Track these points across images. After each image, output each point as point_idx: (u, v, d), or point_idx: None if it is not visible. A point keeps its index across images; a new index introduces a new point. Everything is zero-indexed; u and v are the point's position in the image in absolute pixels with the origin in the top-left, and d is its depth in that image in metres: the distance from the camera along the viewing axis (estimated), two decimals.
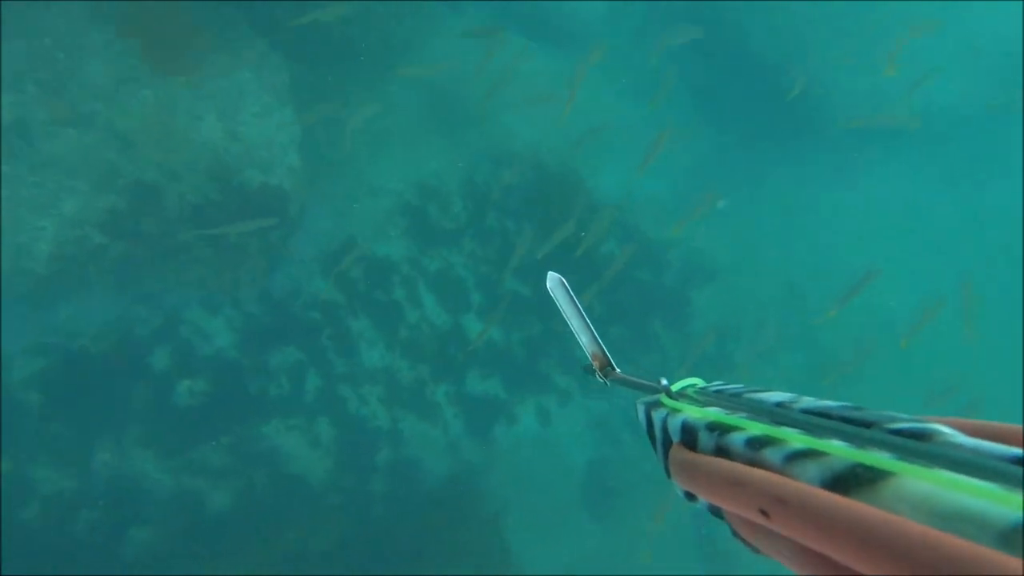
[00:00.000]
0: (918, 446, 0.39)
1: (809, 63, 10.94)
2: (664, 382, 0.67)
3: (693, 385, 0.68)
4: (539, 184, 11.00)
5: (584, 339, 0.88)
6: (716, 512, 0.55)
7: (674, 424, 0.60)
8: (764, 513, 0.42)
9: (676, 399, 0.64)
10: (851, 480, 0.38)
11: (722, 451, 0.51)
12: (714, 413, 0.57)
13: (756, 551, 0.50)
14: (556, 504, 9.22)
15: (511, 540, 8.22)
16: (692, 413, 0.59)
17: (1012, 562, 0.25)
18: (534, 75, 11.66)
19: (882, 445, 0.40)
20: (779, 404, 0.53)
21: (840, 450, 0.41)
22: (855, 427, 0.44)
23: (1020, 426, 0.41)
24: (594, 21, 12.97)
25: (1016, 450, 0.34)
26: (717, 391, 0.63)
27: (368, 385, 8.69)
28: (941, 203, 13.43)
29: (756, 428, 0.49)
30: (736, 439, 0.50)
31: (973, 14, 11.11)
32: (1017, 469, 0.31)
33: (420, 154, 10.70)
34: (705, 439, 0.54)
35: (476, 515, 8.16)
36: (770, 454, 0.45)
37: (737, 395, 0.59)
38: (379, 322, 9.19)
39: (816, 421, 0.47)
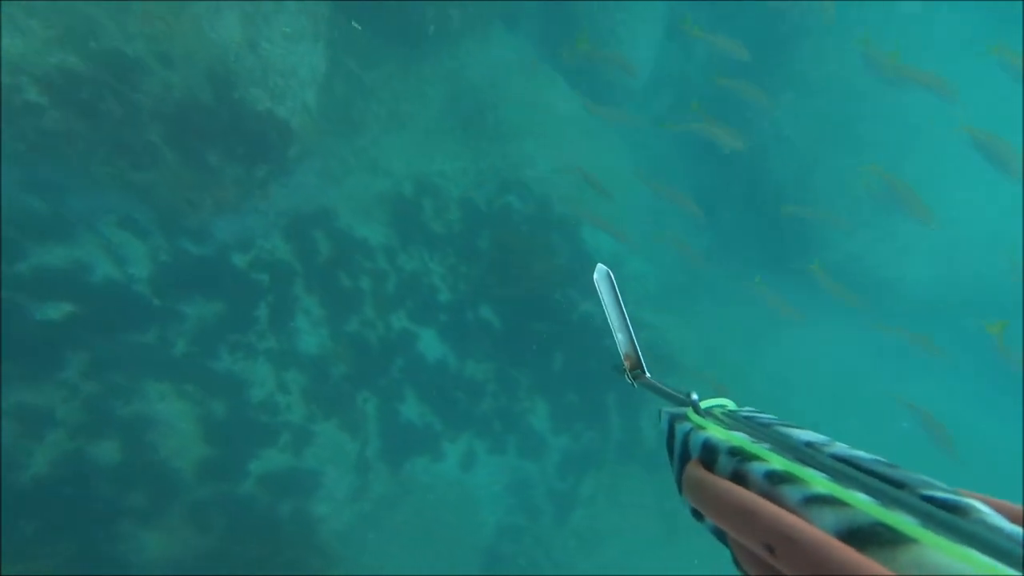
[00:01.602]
0: (950, 518, 0.38)
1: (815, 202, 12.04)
2: (694, 396, 0.68)
3: (723, 406, 0.70)
4: (537, 219, 10.88)
5: (620, 337, 0.90)
6: (720, 536, 0.54)
7: (696, 440, 0.60)
8: (770, 549, 0.42)
9: (703, 416, 0.65)
10: (871, 537, 0.37)
11: (739, 478, 0.51)
12: (738, 438, 0.56)
13: None
14: (450, 558, 8.37)
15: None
16: (716, 433, 0.59)
17: None
18: (563, 116, 11.89)
19: (910, 509, 0.40)
20: (808, 444, 0.53)
21: (864, 504, 0.40)
22: (885, 484, 0.43)
23: None
24: (635, 90, 13.56)
25: None
26: (747, 417, 0.64)
27: (294, 370, 7.66)
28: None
29: (778, 462, 0.49)
30: (756, 468, 0.50)
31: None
32: None
33: (432, 149, 10.30)
34: (724, 462, 0.54)
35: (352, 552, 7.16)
36: (788, 491, 0.45)
37: (766, 425, 0.59)
38: (330, 307, 8.30)
39: (844, 469, 0.47)
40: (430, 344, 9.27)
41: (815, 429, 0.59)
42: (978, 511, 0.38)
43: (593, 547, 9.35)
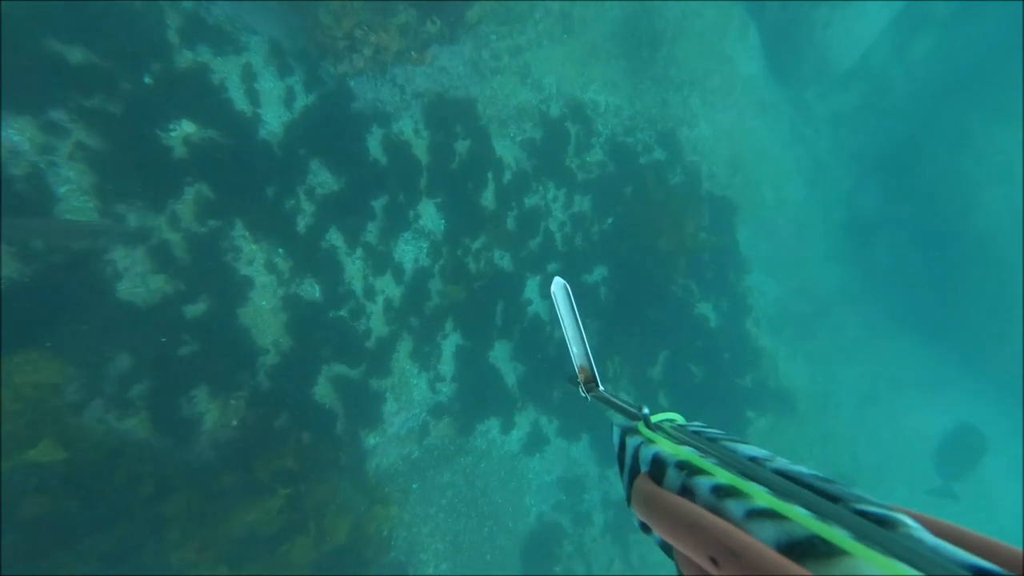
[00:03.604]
0: (878, 531, 0.42)
1: None
2: (645, 411, 0.73)
3: (673, 420, 0.75)
4: (683, 191, 9.59)
5: (575, 349, 0.96)
6: (666, 549, 0.58)
7: (646, 454, 0.65)
8: (713, 561, 0.45)
9: (653, 430, 0.69)
10: (807, 549, 0.41)
11: (687, 491, 0.56)
12: (687, 452, 0.61)
13: None
14: (489, 538, 7.72)
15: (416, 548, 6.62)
16: (665, 447, 0.63)
17: None
18: (742, 77, 10.34)
19: (844, 523, 0.44)
20: (752, 458, 0.57)
21: (802, 518, 0.44)
22: (822, 498, 0.47)
23: (988, 538, 0.43)
24: (829, 74, 11.78)
25: (974, 559, 0.37)
26: (695, 431, 0.68)
27: (387, 277, 6.89)
28: None
29: (724, 476, 0.54)
30: (702, 483, 0.54)
31: None
32: None
33: (591, 73, 9.04)
34: (673, 476, 0.59)
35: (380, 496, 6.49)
36: (732, 506, 0.49)
37: (714, 440, 0.64)
38: (447, 217, 7.43)
39: (784, 484, 0.51)
40: (533, 295, 8.37)
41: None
42: (905, 525, 0.43)
43: None
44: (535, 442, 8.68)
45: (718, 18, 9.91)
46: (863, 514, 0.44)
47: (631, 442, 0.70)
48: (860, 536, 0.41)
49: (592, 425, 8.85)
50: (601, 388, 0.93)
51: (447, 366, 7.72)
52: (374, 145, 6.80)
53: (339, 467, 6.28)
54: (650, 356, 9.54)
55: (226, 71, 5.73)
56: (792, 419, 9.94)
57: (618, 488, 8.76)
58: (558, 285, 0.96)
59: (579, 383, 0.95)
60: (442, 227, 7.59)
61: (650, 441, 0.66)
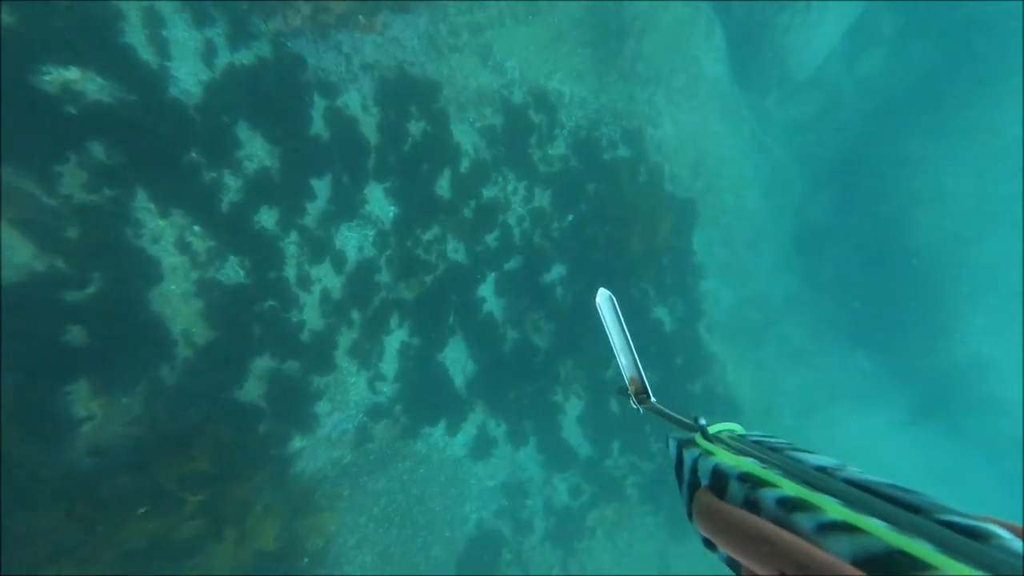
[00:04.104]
0: (967, 544, 0.39)
1: None
2: (702, 421, 0.72)
3: (731, 430, 0.72)
4: (647, 191, 9.49)
5: (624, 360, 0.96)
6: (732, 565, 0.56)
7: (705, 467, 0.63)
8: None
9: (712, 441, 0.68)
10: (887, 564, 0.39)
11: (751, 505, 0.53)
12: (748, 464, 0.59)
13: None
14: (423, 549, 7.33)
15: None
16: (726, 459, 0.62)
17: None
18: (707, 78, 10.35)
19: (928, 535, 0.41)
20: (821, 468, 0.55)
21: (879, 530, 0.42)
22: (900, 509, 0.45)
23: None
24: (789, 82, 12.03)
25: None
26: (756, 441, 0.66)
27: (325, 266, 6.31)
28: None
29: (791, 488, 0.52)
30: (768, 495, 0.52)
31: None
32: None
33: (557, 60, 8.71)
34: (735, 489, 0.57)
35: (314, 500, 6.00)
36: (801, 519, 0.47)
37: (777, 450, 0.62)
38: (398, 202, 6.91)
39: (857, 495, 0.48)
40: (488, 293, 8.01)
41: None
42: (997, 536, 0.40)
43: None
44: (482, 446, 8.36)
45: (686, 14, 9.82)
46: (949, 525, 0.42)
47: (689, 455, 0.68)
48: (946, 549, 0.39)
49: (541, 429, 8.63)
50: (653, 399, 0.90)
51: (390, 365, 7.24)
52: (316, 119, 6.18)
53: (262, 470, 5.71)
54: (604, 359, 9.41)
55: (123, 11, 4.93)
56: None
57: (561, 494, 8.61)
58: (603, 296, 0.96)
59: (630, 394, 0.94)
60: (391, 214, 7.07)
61: (709, 453, 0.65)
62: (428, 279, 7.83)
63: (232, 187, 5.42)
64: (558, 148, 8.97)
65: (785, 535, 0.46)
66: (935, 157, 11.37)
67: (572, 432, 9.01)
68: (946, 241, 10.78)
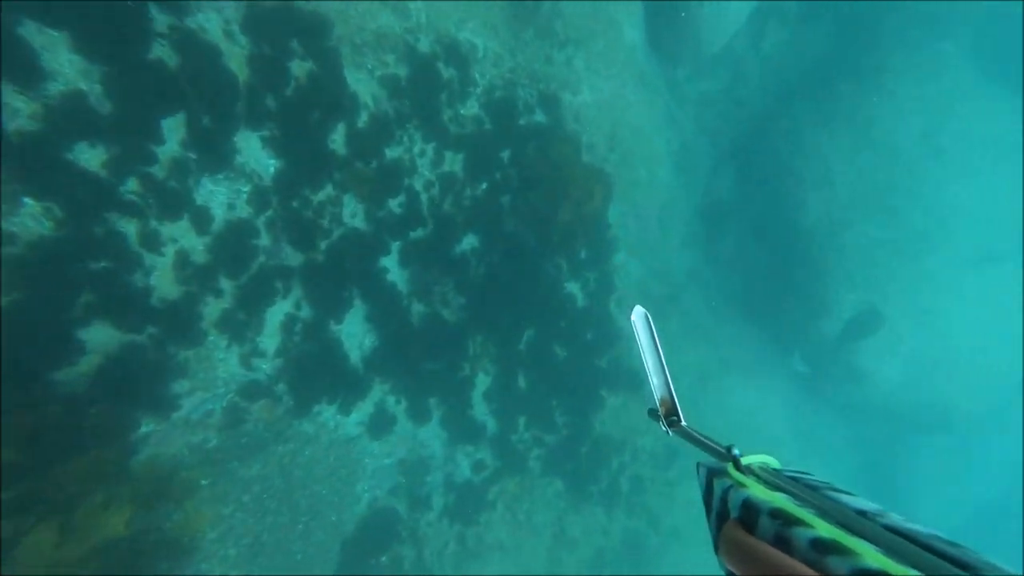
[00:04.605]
0: None
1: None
2: (735, 452, 0.70)
3: (766, 463, 0.69)
4: (564, 161, 9.23)
5: (656, 380, 0.95)
6: None
7: (735, 499, 0.62)
8: None
9: (744, 473, 0.67)
10: None
11: (782, 542, 0.52)
12: (781, 500, 0.58)
13: None
14: (302, 538, 6.86)
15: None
16: (758, 493, 0.61)
17: None
18: (626, 45, 10.19)
19: None
20: (860, 511, 0.53)
21: None
22: (943, 562, 0.42)
23: None
24: (701, 55, 12.22)
25: None
26: (792, 477, 0.64)
27: (183, 224, 5.38)
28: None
29: (825, 530, 0.50)
30: (801, 535, 0.50)
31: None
32: None
33: (469, 9, 8.02)
34: (766, 525, 0.55)
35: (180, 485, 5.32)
36: (835, 563, 0.45)
37: (814, 488, 0.60)
38: (280, 154, 6.02)
39: (897, 543, 0.46)
40: (390, 262, 7.41)
41: None
42: None
43: (471, 559, 8.42)
44: (380, 424, 7.93)
45: None
46: None
47: (719, 484, 0.66)
48: None
49: (447, 406, 8.35)
50: (684, 423, 0.88)
51: (271, 339, 6.50)
52: (155, 40, 5.08)
53: (97, 458, 4.88)
54: (516, 334, 9.25)
55: None
56: (640, 398, 10.53)
57: (463, 470, 8.47)
58: (639, 314, 0.95)
59: (660, 417, 0.92)
60: (271, 169, 6.19)
61: (740, 485, 0.63)
62: (322, 245, 7.08)
63: (23, 111, 4.30)
64: (471, 108, 8.39)
65: None
66: (823, 142, 12.10)
67: (479, 408, 8.83)
68: (828, 224, 11.71)
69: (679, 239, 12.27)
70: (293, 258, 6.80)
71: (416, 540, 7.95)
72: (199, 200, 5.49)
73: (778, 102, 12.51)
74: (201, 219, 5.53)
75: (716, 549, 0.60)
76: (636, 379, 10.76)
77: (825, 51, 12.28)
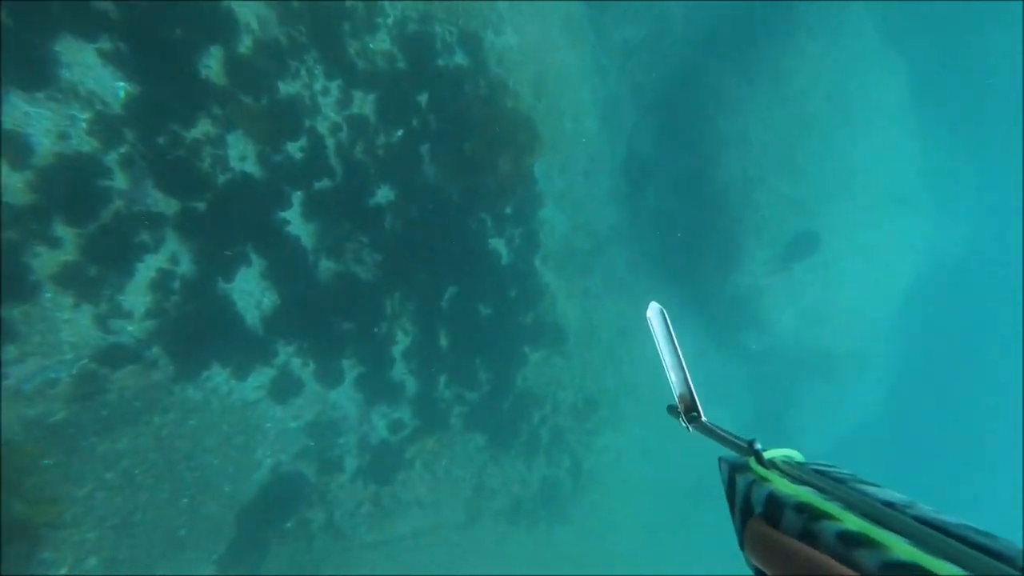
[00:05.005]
0: None
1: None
2: (757, 446, 0.68)
3: (789, 457, 0.68)
4: (487, 107, 8.59)
5: (674, 377, 0.90)
6: None
7: (759, 494, 0.61)
8: None
9: (767, 467, 0.65)
10: None
11: (808, 537, 0.50)
12: (806, 493, 0.56)
13: None
14: (188, 514, 6.26)
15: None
16: (782, 487, 0.59)
17: None
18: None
19: None
20: (888, 503, 0.52)
21: None
22: (977, 552, 0.41)
23: None
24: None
25: None
26: (817, 470, 0.63)
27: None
28: None
29: (852, 523, 0.48)
30: (827, 528, 0.49)
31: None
32: None
33: None
34: (791, 519, 0.54)
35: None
36: (865, 556, 0.44)
37: (840, 481, 0.59)
38: (135, 71, 4.94)
39: (928, 534, 0.45)
40: (291, 214, 6.59)
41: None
42: None
43: (387, 517, 8.25)
44: (285, 387, 7.33)
45: None
46: None
47: (742, 480, 0.65)
48: None
49: (361, 366, 7.84)
50: (704, 418, 0.87)
51: (139, 297, 5.63)
52: None
53: None
54: (437, 292, 8.77)
55: None
56: (562, 352, 10.54)
57: (379, 430, 8.13)
58: (655, 310, 0.92)
59: (679, 413, 0.90)
60: (120, 93, 5.10)
61: (764, 479, 0.62)
62: (203, 192, 6.12)
63: None
64: (381, 43, 7.45)
65: (847, 573, 0.43)
66: (743, 98, 12.09)
67: (398, 368, 8.41)
68: (743, 181, 11.95)
69: (604, 194, 12.08)
70: (164, 205, 5.84)
71: (326, 503, 7.61)
72: (6, 123, 4.41)
73: (701, 55, 12.25)
74: (15, 149, 4.47)
75: (741, 545, 0.60)
76: (560, 335, 10.74)
77: (747, 3, 12.05)
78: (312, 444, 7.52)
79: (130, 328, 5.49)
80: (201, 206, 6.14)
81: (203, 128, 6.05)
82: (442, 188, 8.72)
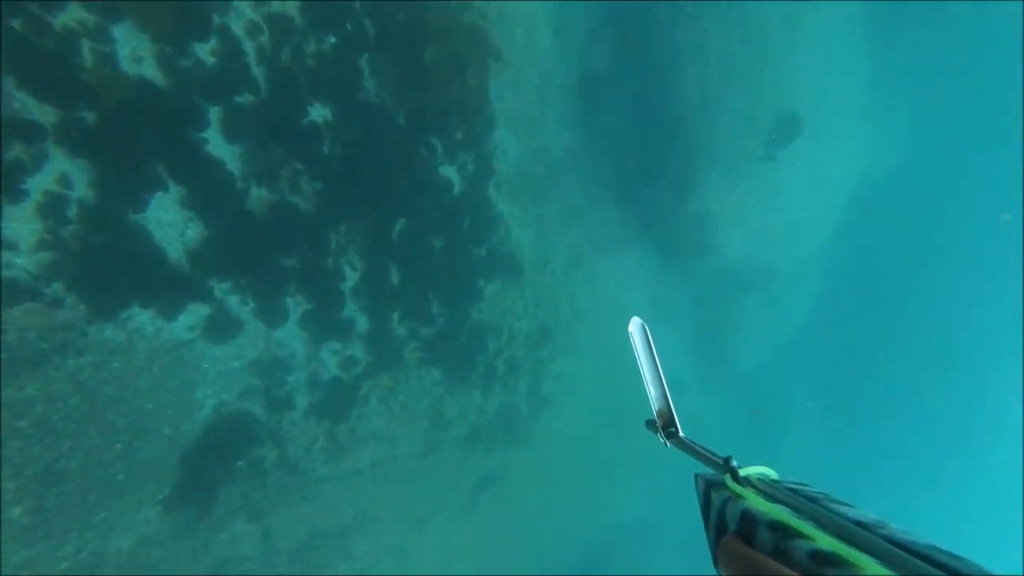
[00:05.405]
0: None
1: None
2: (733, 463, 0.67)
3: (764, 475, 0.68)
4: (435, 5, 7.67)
5: (654, 392, 0.90)
6: None
7: (734, 511, 0.60)
8: None
9: (742, 484, 0.64)
10: None
11: (781, 555, 0.51)
12: (779, 511, 0.56)
13: None
14: (113, 456, 5.83)
15: None
16: (757, 505, 0.58)
17: None
18: None
19: None
20: (859, 523, 0.52)
21: None
22: (943, 573, 0.42)
23: None
24: None
25: None
26: (791, 488, 0.63)
27: None
28: None
29: (825, 542, 0.48)
30: (800, 547, 0.49)
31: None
32: None
33: None
34: (765, 537, 0.54)
35: None
36: None
37: (813, 500, 0.59)
38: None
39: (899, 556, 0.45)
40: (211, 134, 5.68)
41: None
42: None
43: (343, 451, 8.15)
44: (222, 327, 6.75)
45: None
46: None
47: (717, 497, 0.65)
48: None
49: (307, 303, 7.32)
50: (682, 434, 0.87)
51: (27, 225, 4.78)
52: None
53: None
54: (386, 225, 8.17)
55: None
56: (517, 283, 10.39)
57: (330, 367, 7.80)
58: (636, 325, 0.93)
59: (658, 428, 0.90)
60: None
61: (738, 496, 0.62)
62: (89, 99, 5.11)
63: None
64: None
65: None
66: (706, 15, 11.47)
67: (348, 305, 7.95)
68: (700, 101, 11.66)
69: (557, 115, 11.44)
70: (40, 113, 4.84)
71: (278, 440, 7.37)
72: None
73: None
74: None
75: (715, 562, 0.59)
76: (515, 265, 10.51)
77: None
78: (258, 383, 7.11)
79: (19, 261, 4.70)
80: (89, 116, 5.15)
81: (74, 14, 4.94)
82: (386, 108, 7.86)
